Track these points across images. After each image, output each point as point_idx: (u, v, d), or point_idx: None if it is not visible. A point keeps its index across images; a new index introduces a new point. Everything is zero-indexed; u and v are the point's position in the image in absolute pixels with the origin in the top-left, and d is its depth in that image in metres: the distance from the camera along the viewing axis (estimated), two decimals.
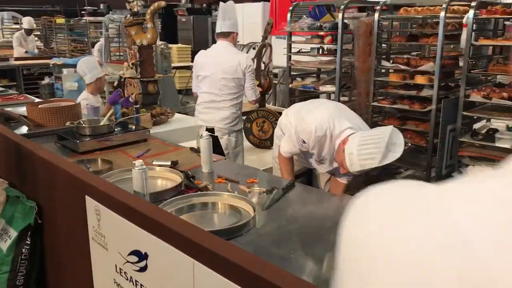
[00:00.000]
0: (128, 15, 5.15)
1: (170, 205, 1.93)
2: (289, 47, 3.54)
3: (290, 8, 3.39)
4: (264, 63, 4.44)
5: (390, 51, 3.16)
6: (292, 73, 3.71)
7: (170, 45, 8.06)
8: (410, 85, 2.96)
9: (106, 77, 6.97)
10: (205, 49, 3.71)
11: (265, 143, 4.28)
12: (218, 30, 3.50)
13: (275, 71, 5.55)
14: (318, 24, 3.15)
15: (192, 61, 8.70)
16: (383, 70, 3.02)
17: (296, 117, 2.67)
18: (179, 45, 9.39)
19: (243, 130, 4.00)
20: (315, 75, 4.13)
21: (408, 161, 2.98)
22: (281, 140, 2.73)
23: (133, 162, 1.96)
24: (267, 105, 4.59)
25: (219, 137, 3.39)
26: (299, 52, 3.94)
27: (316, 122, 2.45)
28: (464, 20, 2.58)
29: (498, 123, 2.80)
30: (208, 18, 11.47)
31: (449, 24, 2.82)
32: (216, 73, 3.43)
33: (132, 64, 5.13)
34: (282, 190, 2.16)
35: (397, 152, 2.11)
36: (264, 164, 3.76)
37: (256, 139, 4.31)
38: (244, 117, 5.02)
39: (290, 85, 3.63)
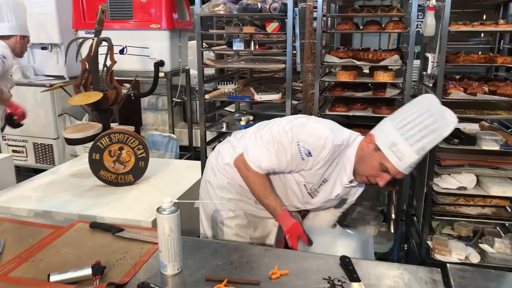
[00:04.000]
0: None
1: None
2: (201, 40, 2.42)
3: None
4: (106, 66, 3.16)
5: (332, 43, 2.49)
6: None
7: None
8: (359, 86, 2.35)
9: None
10: None
11: (125, 177, 3.05)
12: None
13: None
14: (259, 5, 2.17)
15: None
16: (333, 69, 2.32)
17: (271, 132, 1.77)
18: None
19: None
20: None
21: None
22: (249, 148, 1.78)
23: None
24: (113, 125, 3.33)
25: None
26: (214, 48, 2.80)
27: (329, 128, 1.69)
28: (430, 3, 2.10)
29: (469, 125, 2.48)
30: None
31: (394, 8, 2.32)
32: None
33: None
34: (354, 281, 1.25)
35: (449, 112, 1.57)
36: (141, 212, 2.60)
37: (111, 175, 3.03)
38: (86, 145, 3.60)
39: (207, 96, 2.53)
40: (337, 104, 2.34)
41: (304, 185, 1.76)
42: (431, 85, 2.47)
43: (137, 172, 3.05)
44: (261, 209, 1.85)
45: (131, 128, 3.17)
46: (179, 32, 4.35)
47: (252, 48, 2.43)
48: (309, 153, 1.64)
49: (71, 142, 3.13)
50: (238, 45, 2.34)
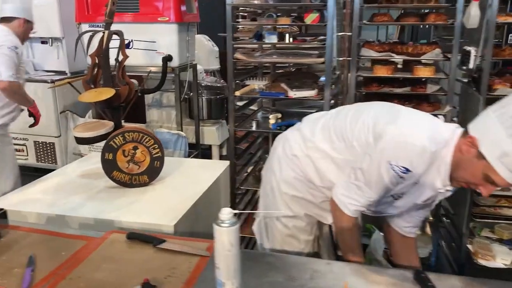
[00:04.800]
0: None
1: None
2: (232, 33, 2.25)
3: None
4: (117, 61, 3.00)
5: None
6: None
7: None
8: (394, 81, 2.23)
9: None
10: None
11: (139, 178, 2.89)
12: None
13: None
14: None
15: None
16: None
17: (343, 141, 1.56)
18: None
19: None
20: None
21: None
22: (337, 189, 1.54)
23: None
24: (125, 124, 3.17)
25: None
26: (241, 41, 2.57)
27: (424, 130, 1.42)
28: None
29: None
30: None
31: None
32: None
33: None
34: None
35: None
36: (162, 215, 2.44)
37: (125, 175, 2.87)
38: (96, 145, 3.44)
39: (237, 93, 2.36)
40: (371, 101, 2.22)
41: (392, 195, 1.53)
42: (465, 80, 2.36)
43: (152, 173, 2.90)
44: (325, 210, 1.69)
45: (142, 126, 3.01)
46: (187, 25, 4.18)
47: (287, 41, 2.28)
48: (406, 170, 1.38)
49: (81, 141, 2.96)
50: (271, 38, 2.19)
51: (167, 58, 3.96)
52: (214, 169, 3.22)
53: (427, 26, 3.66)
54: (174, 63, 4.04)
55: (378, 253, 1.95)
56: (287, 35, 2.26)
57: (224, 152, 5.26)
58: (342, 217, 1.53)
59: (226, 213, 1.13)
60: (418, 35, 6.75)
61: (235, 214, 1.14)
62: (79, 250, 1.36)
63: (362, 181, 1.47)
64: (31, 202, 2.67)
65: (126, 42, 4.14)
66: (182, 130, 4.29)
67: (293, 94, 2.21)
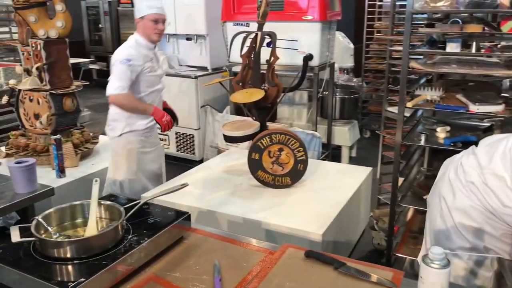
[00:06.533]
0: None
1: None
2: (409, 41, 2.13)
3: None
4: (267, 61, 3.02)
5: None
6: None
7: None
8: None
9: None
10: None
11: (282, 180, 2.89)
12: None
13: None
14: None
15: None
16: None
17: None
18: None
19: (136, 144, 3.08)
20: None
21: None
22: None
23: None
24: (270, 124, 3.20)
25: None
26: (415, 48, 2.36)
27: None
28: None
29: None
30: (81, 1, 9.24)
31: None
32: None
33: (37, 68, 3.21)
34: None
35: None
36: (310, 221, 2.40)
37: (268, 176, 2.90)
38: (243, 144, 3.57)
39: (409, 104, 2.24)
40: None
41: None
42: None
43: (295, 175, 2.89)
44: (507, 244, 1.52)
45: (284, 126, 3.01)
46: (329, 23, 4.09)
47: (474, 50, 2.04)
48: None
49: (230, 139, 3.05)
50: (454, 46, 1.98)
51: (308, 57, 3.91)
52: (356, 175, 3.10)
53: None
54: (314, 62, 3.98)
55: None
56: (474, 43, 2.00)
57: (354, 154, 5.11)
58: None
59: (438, 253, 1.02)
60: None
61: (446, 254, 1.03)
62: (260, 264, 1.36)
63: None
64: (183, 194, 2.80)
65: (268, 40, 4.19)
66: (316, 130, 4.23)
67: (476, 108, 1.97)
